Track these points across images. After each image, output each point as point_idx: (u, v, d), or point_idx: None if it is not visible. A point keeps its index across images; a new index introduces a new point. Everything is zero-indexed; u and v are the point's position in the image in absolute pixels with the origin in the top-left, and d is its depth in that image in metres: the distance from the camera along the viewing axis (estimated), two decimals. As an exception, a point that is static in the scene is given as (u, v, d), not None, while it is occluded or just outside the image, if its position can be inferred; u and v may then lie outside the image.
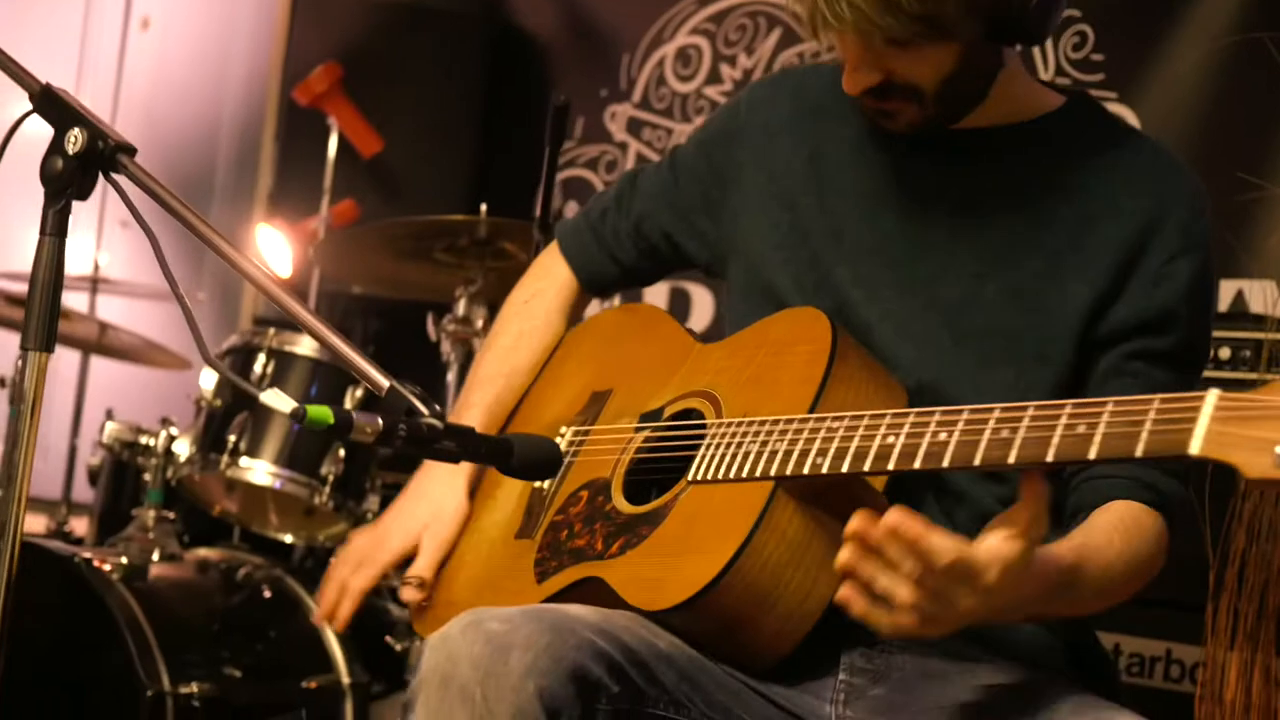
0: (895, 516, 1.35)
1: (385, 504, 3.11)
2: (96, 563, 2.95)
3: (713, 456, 1.60)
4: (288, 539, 3.43)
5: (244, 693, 3.06)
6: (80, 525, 3.94)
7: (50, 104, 1.58)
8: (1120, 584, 1.55)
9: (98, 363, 4.28)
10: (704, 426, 1.65)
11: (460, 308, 3.35)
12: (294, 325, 4.52)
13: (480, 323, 3.31)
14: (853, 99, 1.73)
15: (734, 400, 1.66)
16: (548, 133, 2.85)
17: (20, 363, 2.82)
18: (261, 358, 3.16)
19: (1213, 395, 1.24)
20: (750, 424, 1.58)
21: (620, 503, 1.71)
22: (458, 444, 1.43)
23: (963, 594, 1.35)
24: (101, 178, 1.58)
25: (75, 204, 1.57)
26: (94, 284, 4.10)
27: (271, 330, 3.22)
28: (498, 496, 1.91)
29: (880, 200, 1.77)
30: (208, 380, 3.24)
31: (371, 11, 5.07)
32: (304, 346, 3.20)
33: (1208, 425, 1.22)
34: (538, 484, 1.85)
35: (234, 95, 5.28)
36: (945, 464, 1.39)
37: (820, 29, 1.63)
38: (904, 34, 1.60)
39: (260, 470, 3.11)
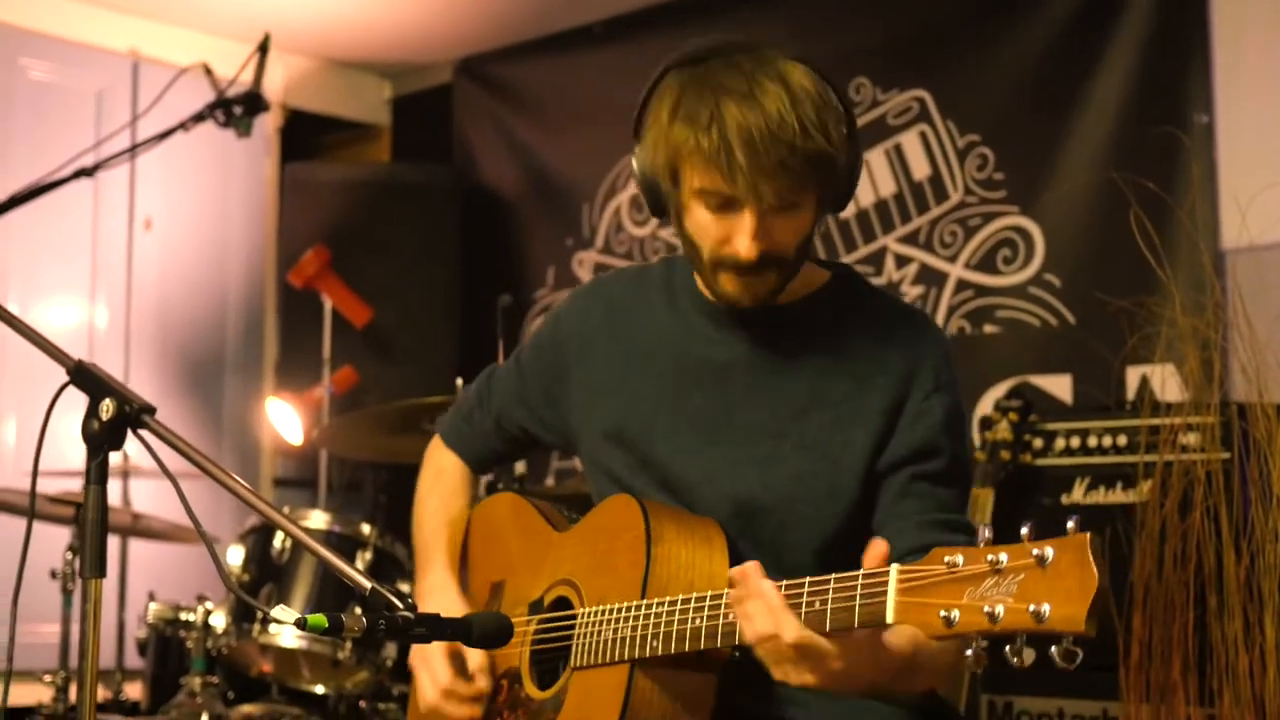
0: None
1: (400, 651, 3.54)
2: (153, 732, 3.35)
3: (584, 645, 1.98)
4: (319, 690, 3.83)
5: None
6: (134, 690, 4.32)
7: (84, 378, 1.88)
8: (944, 668, 1.86)
9: (135, 543, 4.69)
10: (574, 617, 2.03)
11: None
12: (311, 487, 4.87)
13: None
14: (662, 282, 2.13)
15: (589, 586, 2.04)
16: (498, 329, 3.20)
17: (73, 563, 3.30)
18: (280, 534, 3.59)
19: (894, 571, 1.53)
20: (603, 613, 1.96)
21: (531, 689, 2.09)
22: (428, 629, 1.82)
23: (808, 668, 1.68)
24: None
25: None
26: (125, 474, 4.51)
27: (287, 508, 3.63)
28: None
29: (686, 378, 2.09)
30: (235, 556, 3.68)
31: (351, 191, 5.53)
32: (315, 520, 3.65)
33: (895, 599, 1.52)
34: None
35: (235, 280, 5.72)
36: (736, 641, 1.75)
37: (741, 190, 1.86)
38: (798, 195, 1.87)
39: (288, 634, 3.52)
